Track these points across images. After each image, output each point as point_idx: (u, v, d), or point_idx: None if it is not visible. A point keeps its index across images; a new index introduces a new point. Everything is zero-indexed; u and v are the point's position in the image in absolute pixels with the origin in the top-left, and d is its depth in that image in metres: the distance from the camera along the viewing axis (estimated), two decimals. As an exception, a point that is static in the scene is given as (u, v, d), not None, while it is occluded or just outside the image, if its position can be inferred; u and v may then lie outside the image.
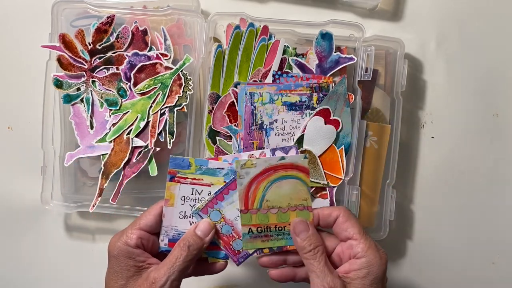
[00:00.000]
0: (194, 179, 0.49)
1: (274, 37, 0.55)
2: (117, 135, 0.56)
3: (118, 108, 0.56)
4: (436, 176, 0.63)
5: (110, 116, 0.56)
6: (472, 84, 0.63)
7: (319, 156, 0.54)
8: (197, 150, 0.58)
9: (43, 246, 0.64)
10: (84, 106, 0.56)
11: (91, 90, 0.56)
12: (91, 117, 0.56)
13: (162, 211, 0.48)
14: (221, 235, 0.49)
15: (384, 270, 0.44)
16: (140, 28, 0.55)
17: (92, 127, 0.56)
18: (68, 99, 0.56)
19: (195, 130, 0.57)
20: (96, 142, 0.56)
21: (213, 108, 0.56)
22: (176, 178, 0.49)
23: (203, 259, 0.50)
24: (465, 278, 0.64)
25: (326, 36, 0.55)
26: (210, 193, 0.49)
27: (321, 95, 0.54)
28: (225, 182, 0.49)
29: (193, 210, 0.49)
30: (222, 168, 0.49)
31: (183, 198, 0.49)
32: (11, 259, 0.65)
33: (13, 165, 0.64)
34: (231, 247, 0.49)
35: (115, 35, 0.55)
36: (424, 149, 0.63)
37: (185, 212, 0.49)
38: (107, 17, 0.54)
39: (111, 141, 0.56)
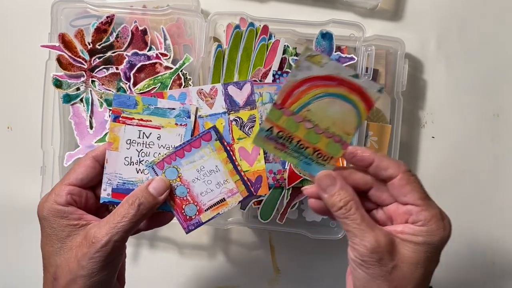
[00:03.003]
0: (142, 120, 0.43)
1: (274, 36, 0.55)
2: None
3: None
4: (436, 176, 0.63)
5: (109, 116, 0.56)
6: (472, 84, 0.63)
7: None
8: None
9: (43, 246, 0.64)
10: (84, 106, 0.56)
11: (90, 90, 0.56)
12: (90, 117, 0.56)
13: (105, 156, 0.43)
14: (174, 196, 0.44)
15: (445, 242, 0.38)
16: (140, 28, 0.55)
17: (91, 127, 0.56)
18: (67, 99, 0.56)
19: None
20: (95, 142, 0.56)
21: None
22: (120, 118, 0.43)
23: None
24: (465, 278, 0.64)
25: (326, 36, 0.55)
26: (160, 137, 0.43)
27: (321, 95, 0.54)
28: (176, 124, 0.43)
29: (146, 163, 0.43)
30: (173, 108, 0.44)
31: (128, 142, 0.43)
32: (11, 259, 0.64)
33: (12, 165, 0.64)
34: (183, 211, 0.44)
35: (114, 34, 0.55)
36: (425, 149, 0.63)
37: (131, 157, 0.43)
38: (107, 17, 0.54)
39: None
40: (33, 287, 0.65)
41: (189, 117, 0.44)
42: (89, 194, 0.43)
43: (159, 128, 0.44)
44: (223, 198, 0.45)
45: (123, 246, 0.40)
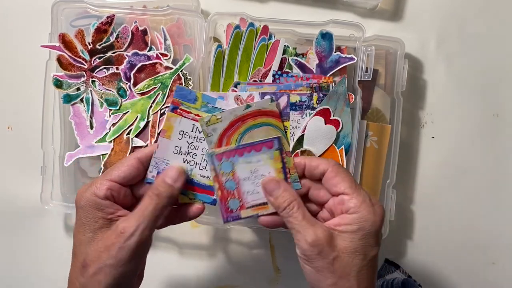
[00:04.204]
0: (198, 115, 0.45)
1: (274, 37, 0.55)
2: (117, 135, 0.56)
3: (118, 108, 0.56)
4: (436, 176, 0.63)
5: (110, 116, 0.56)
6: (472, 84, 0.63)
7: (319, 156, 0.54)
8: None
9: (43, 246, 0.64)
10: (84, 106, 0.56)
11: (91, 90, 0.56)
12: (91, 117, 0.56)
13: (149, 158, 0.45)
14: (223, 187, 0.46)
15: (379, 226, 0.41)
16: (140, 28, 0.55)
17: (92, 127, 0.56)
18: (68, 99, 0.56)
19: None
20: (96, 142, 0.56)
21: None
22: (178, 110, 0.46)
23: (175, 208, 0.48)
24: (465, 278, 0.64)
25: (326, 36, 0.55)
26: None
27: (321, 95, 0.54)
28: None
29: (207, 151, 0.46)
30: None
31: (181, 133, 0.45)
32: (11, 259, 0.65)
33: (13, 165, 0.64)
34: (227, 203, 0.47)
35: (115, 35, 0.55)
36: (424, 149, 0.63)
37: (180, 147, 0.46)
38: (107, 17, 0.54)
39: (111, 141, 0.56)
40: (33, 286, 0.65)
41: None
42: (127, 191, 0.45)
43: None
44: (265, 202, 0.47)
45: (149, 237, 0.42)
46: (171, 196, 0.44)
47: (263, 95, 0.49)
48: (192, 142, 0.46)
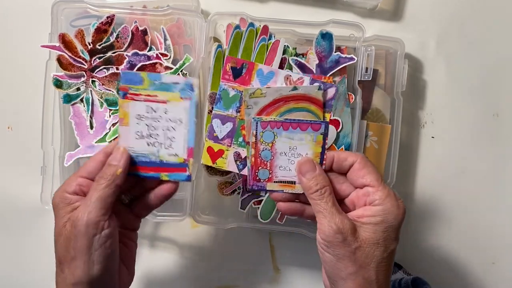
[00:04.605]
0: (148, 95, 0.45)
1: (274, 37, 0.55)
2: (117, 135, 0.56)
3: (118, 108, 0.56)
4: (436, 176, 0.63)
5: (110, 116, 0.56)
6: (472, 84, 0.63)
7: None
8: (197, 150, 0.57)
9: (43, 246, 0.64)
10: (84, 106, 0.56)
11: (91, 90, 0.56)
12: (91, 117, 0.56)
13: (119, 131, 0.46)
14: (258, 154, 0.47)
15: (401, 220, 0.43)
16: (140, 28, 0.55)
17: (92, 127, 0.56)
18: (68, 99, 0.56)
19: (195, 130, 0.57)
20: (96, 142, 0.56)
21: (213, 108, 0.56)
22: (128, 95, 0.45)
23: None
24: (465, 278, 0.64)
25: (326, 36, 0.55)
26: (166, 111, 0.45)
27: (321, 95, 0.54)
28: (181, 98, 0.45)
29: (254, 117, 0.46)
30: (178, 83, 0.45)
31: (137, 117, 0.45)
32: (11, 259, 0.65)
33: (13, 165, 0.64)
34: (257, 171, 0.47)
35: (115, 35, 0.55)
36: (424, 149, 0.63)
37: (141, 132, 0.45)
38: (107, 17, 0.54)
39: (111, 141, 0.56)
40: (33, 286, 0.65)
41: (193, 90, 0.44)
42: None
43: (165, 103, 0.45)
44: (294, 182, 0.47)
45: (100, 219, 0.41)
46: (114, 175, 0.43)
47: (313, 81, 0.49)
48: (151, 124, 0.45)
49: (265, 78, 0.52)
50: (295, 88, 0.46)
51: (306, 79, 0.49)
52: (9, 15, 0.63)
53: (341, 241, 0.41)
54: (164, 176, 0.46)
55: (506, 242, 0.64)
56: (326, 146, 0.46)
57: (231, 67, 0.52)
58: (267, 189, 0.48)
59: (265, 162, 0.47)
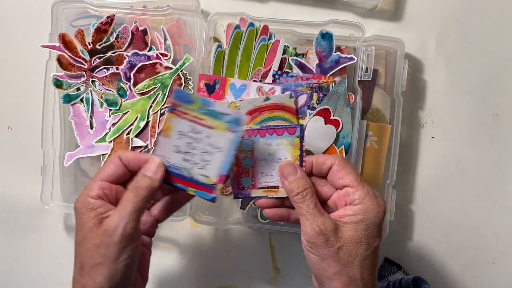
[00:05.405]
0: (196, 117, 0.46)
1: (274, 37, 0.55)
2: (117, 135, 0.56)
3: (118, 108, 0.56)
4: (436, 176, 0.63)
5: (110, 116, 0.56)
6: (472, 84, 0.63)
7: (319, 156, 0.54)
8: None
9: (43, 246, 0.64)
10: (84, 106, 0.56)
11: (91, 90, 0.56)
12: (91, 117, 0.56)
13: (129, 159, 0.45)
14: (239, 163, 0.48)
15: (381, 218, 0.44)
16: (140, 28, 0.55)
17: (92, 127, 0.56)
18: (68, 99, 0.56)
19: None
20: (96, 142, 0.56)
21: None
22: (176, 111, 0.46)
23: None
24: (465, 278, 0.64)
25: (326, 36, 0.55)
26: (210, 136, 0.46)
27: (321, 95, 0.54)
28: (227, 129, 0.46)
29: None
30: (228, 114, 0.45)
31: (180, 133, 0.46)
32: (11, 259, 0.65)
33: (13, 165, 0.64)
34: (240, 180, 0.48)
35: (115, 35, 0.55)
36: (424, 149, 0.63)
37: (180, 147, 0.46)
38: (107, 17, 0.54)
39: (111, 141, 0.56)
40: (33, 286, 0.65)
41: (239, 125, 0.45)
42: (119, 189, 0.45)
43: (211, 128, 0.46)
44: (277, 186, 0.48)
45: (134, 231, 0.42)
46: (151, 188, 0.44)
47: (284, 90, 0.50)
48: (191, 143, 0.46)
49: (238, 91, 0.53)
50: (267, 99, 0.48)
51: (278, 88, 0.50)
52: (9, 15, 0.63)
53: (324, 242, 0.42)
54: (190, 190, 0.47)
55: (506, 242, 0.64)
56: (304, 148, 0.47)
57: (204, 84, 0.54)
58: (252, 196, 0.48)
59: (247, 170, 0.48)
